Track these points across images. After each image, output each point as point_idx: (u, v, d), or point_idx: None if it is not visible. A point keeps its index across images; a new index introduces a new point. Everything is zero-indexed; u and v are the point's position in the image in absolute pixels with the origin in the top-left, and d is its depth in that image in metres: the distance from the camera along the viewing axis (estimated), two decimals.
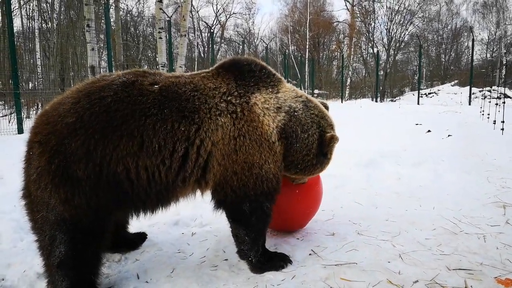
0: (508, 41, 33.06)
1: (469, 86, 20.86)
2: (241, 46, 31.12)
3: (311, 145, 2.74)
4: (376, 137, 8.38)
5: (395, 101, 25.47)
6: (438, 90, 25.82)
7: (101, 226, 2.34)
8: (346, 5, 36.38)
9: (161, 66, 10.40)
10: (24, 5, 20.71)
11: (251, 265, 2.69)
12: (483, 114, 11.64)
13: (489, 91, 20.14)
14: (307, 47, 30.75)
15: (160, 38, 10.28)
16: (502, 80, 24.22)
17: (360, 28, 35.75)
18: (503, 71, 24.79)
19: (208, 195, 2.68)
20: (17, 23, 19.92)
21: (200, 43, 37.02)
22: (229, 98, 2.55)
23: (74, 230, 2.22)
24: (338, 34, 39.09)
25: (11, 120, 10.28)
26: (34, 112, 13.25)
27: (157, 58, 10.82)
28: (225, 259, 2.89)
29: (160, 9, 10.15)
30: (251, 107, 2.57)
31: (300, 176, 2.99)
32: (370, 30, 35.63)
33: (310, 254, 2.92)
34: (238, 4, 68.09)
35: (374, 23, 35.72)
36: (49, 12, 20.76)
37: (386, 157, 6.07)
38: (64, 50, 17.39)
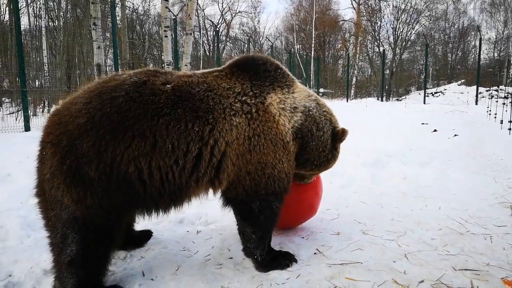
0: None
1: (476, 86, 20.69)
2: (246, 45, 31.09)
3: (326, 141, 2.82)
4: (381, 136, 8.35)
5: (401, 100, 25.34)
6: (445, 89, 25.65)
7: (113, 226, 2.36)
8: (352, 4, 36.28)
9: (167, 65, 10.42)
10: (31, 4, 20.85)
11: (257, 263, 2.69)
12: (490, 114, 11.55)
13: (496, 90, 19.99)
14: (313, 45, 30.69)
15: (166, 36, 10.31)
16: (510, 79, 24.00)
17: (366, 27, 35.61)
18: (511, 71, 24.56)
19: (217, 193, 2.69)
20: (24, 21, 20.13)
21: (205, 41, 37.06)
22: (244, 98, 2.54)
23: (86, 230, 2.23)
24: (344, 33, 38.98)
25: (18, 118, 10.36)
26: (41, 110, 13.35)
27: (162, 57, 10.85)
28: (230, 257, 2.89)
29: (166, 7, 10.17)
30: (267, 107, 2.57)
31: (314, 172, 3.04)
32: (376, 29, 35.51)
33: (315, 253, 2.92)
34: (243, 2, 68.14)
35: (380, 21, 35.62)
36: (56, 10, 20.88)
37: (392, 156, 6.05)
38: (70, 48, 17.48)
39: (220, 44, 29.16)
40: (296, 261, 2.76)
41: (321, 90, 28.09)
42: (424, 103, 21.40)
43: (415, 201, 4.19)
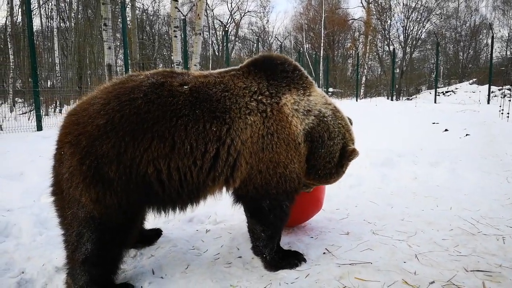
0: None
1: (488, 85, 20.39)
2: (255, 44, 31.11)
3: (334, 153, 2.74)
4: (392, 136, 8.28)
5: (411, 99, 25.10)
6: (456, 88, 25.34)
7: (129, 226, 2.40)
8: (361, 3, 35.97)
9: (176, 65, 10.48)
10: (43, 5, 21.15)
11: (265, 262, 2.70)
12: (502, 113, 11.38)
13: (509, 89, 19.65)
14: (322, 45, 30.56)
15: (175, 36, 10.37)
16: None
17: (376, 26, 35.30)
18: None
19: (230, 191, 2.70)
20: (36, 23, 20.40)
21: (214, 41, 37.15)
22: (259, 97, 2.55)
23: (102, 230, 2.25)
24: (354, 32, 38.74)
25: (31, 118, 10.51)
26: (53, 110, 13.53)
27: (172, 57, 10.91)
28: (239, 257, 2.90)
29: (176, 8, 10.23)
30: (281, 107, 2.58)
31: (315, 183, 2.96)
32: (386, 28, 35.17)
33: (324, 253, 2.91)
34: (252, 2, 68.03)
35: (390, 20, 35.27)
36: (67, 11, 21.14)
37: (402, 156, 5.99)
38: (81, 48, 17.71)
39: (229, 44, 29.23)
40: (305, 260, 2.75)
41: (330, 89, 27.95)
42: (435, 102, 21.18)
43: (426, 201, 4.15)
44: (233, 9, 39.61)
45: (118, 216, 2.27)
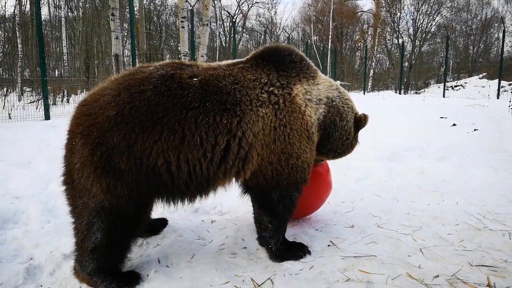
0: None
1: (498, 79, 20.09)
2: (262, 36, 30.94)
3: (350, 129, 2.89)
4: (399, 130, 8.23)
5: (419, 93, 24.85)
6: (465, 82, 25.01)
7: (139, 216, 2.43)
8: None
9: (183, 56, 10.46)
10: None
11: (271, 252, 2.72)
12: (511, 108, 11.24)
13: None
14: (330, 37, 30.26)
15: (183, 27, 10.33)
16: None
17: (385, 18, 34.86)
18: None
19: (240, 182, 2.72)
20: (44, 12, 20.43)
21: (222, 32, 36.98)
22: (271, 89, 2.57)
23: (112, 220, 2.28)
24: (362, 24, 38.31)
25: (38, 107, 10.59)
26: (60, 99, 13.61)
27: (179, 47, 10.89)
28: (244, 247, 2.92)
29: None
30: (293, 98, 2.59)
31: (336, 158, 3.10)
32: (396, 20, 34.72)
33: (328, 245, 2.92)
34: None
35: (400, 13, 34.78)
36: (75, 0, 21.15)
37: (409, 150, 5.96)
38: (89, 38, 17.73)
39: (236, 35, 29.10)
40: (309, 252, 2.77)
41: (338, 82, 27.74)
42: (444, 96, 20.94)
43: (432, 196, 4.13)
44: (240, 0, 39.33)
45: (129, 206, 2.30)
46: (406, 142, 6.63)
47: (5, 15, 18.40)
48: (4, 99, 11.28)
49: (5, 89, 13.90)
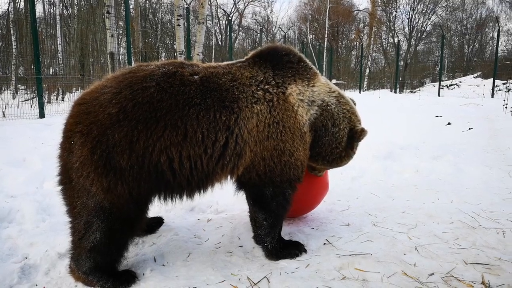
0: None
1: (492, 78, 20.20)
2: (259, 34, 30.91)
3: (341, 138, 2.82)
4: (394, 128, 8.26)
5: (414, 92, 24.94)
6: (460, 82, 25.16)
7: (139, 215, 2.43)
8: None
9: (179, 54, 10.42)
10: None
11: (266, 251, 2.72)
12: (506, 107, 11.32)
13: None
14: (326, 36, 30.27)
15: (179, 25, 10.29)
16: None
17: (381, 17, 34.94)
18: None
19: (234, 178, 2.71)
20: (39, 9, 20.23)
21: (218, 31, 36.89)
22: (266, 87, 2.59)
23: (112, 220, 2.27)
24: (358, 23, 38.35)
25: (33, 105, 10.51)
26: (55, 97, 13.51)
27: (175, 46, 10.85)
28: (240, 246, 2.92)
29: None
30: (287, 97, 2.62)
31: (326, 167, 3.06)
32: (391, 19, 34.80)
33: (324, 244, 2.93)
34: None
35: (396, 12, 34.86)
36: None
37: (405, 149, 5.99)
38: (84, 36, 17.60)
39: (232, 34, 29.05)
40: (305, 251, 2.78)
41: (334, 81, 27.76)
42: (439, 95, 21.02)
43: (427, 194, 4.16)
44: None
45: (129, 205, 2.29)
46: (401, 140, 6.66)
47: None
48: None
49: None
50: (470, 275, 2.42)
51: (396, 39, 30.98)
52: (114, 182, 2.22)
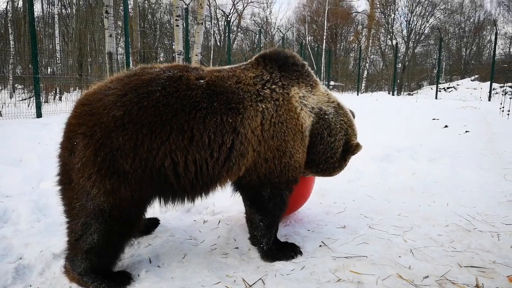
0: None
1: (489, 82, 20.29)
2: (257, 36, 30.92)
3: (336, 149, 2.85)
4: (391, 131, 8.29)
5: (412, 94, 25.04)
6: (457, 84, 25.26)
7: (138, 218, 2.42)
8: None
9: (178, 54, 10.42)
10: None
11: (262, 252, 2.73)
12: (503, 111, 11.37)
13: (511, 87, 19.59)
14: (324, 37, 30.33)
15: (177, 25, 10.28)
16: None
17: (379, 20, 35.02)
18: None
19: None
20: (37, 8, 20.21)
21: (216, 31, 36.87)
22: (273, 86, 2.62)
23: (111, 222, 2.26)
24: (357, 25, 38.43)
25: (30, 104, 10.48)
26: (52, 97, 13.48)
27: (173, 46, 10.84)
28: (236, 247, 2.92)
29: None
30: (290, 98, 2.64)
31: (317, 175, 3.09)
32: (390, 22, 34.89)
33: (320, 246, 2.93)
34: None
35: (394, 14, 34.94)
36: None
37: (401, 151, 6.00)
38: (82, 36, 17.55)
39: (231, 35, 29.05)
40: (301, 253, 2.78)
41: (332, 83, 27.84)
42: (436, 98, 21.11)
43: (423, 197, 4.17)
44: None
45: (130, 208, 2.28)
46: (398, 143, 6.67)
47: None
48: None
49: None
50: (464, 278, 2.43)
51: (394, 42, 31.11)
52: (118, 185, 2.21)
